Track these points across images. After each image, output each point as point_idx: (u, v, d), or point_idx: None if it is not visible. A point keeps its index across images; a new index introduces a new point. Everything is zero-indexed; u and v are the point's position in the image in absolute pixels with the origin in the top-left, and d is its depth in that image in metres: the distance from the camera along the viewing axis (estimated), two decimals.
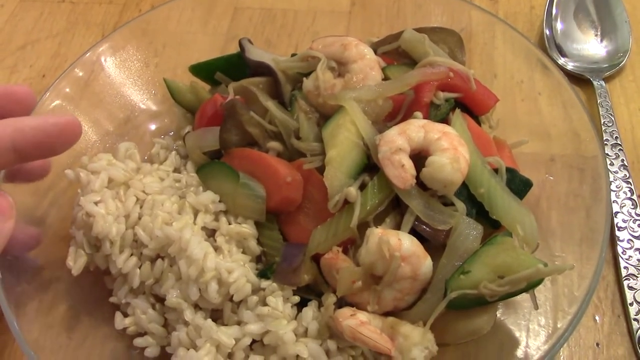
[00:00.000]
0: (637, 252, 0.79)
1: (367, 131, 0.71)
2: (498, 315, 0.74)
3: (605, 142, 0.88)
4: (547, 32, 1.01)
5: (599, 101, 0.92)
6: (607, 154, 0.86)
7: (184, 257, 0.68)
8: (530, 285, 0.64)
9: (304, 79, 0.78)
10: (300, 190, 0.73)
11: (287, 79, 0.82)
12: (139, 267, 0.72)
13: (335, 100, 0.73)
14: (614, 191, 0.84)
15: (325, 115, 0.76)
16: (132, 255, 0.72)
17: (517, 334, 0.73)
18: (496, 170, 0.72)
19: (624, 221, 0.81)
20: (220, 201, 0.74)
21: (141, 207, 0.74)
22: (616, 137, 0.88)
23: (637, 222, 0.81)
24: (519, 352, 0.72)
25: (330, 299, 0.68)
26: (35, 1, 1.21)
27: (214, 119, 0.81)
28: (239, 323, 0.70)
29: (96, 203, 0.73)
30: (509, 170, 0.73)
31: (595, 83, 0.94)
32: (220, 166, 0.76)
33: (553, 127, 0.90)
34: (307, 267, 0.71)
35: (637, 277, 0.80)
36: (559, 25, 1.01)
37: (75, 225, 0.74)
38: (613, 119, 0.90)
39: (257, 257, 0.75)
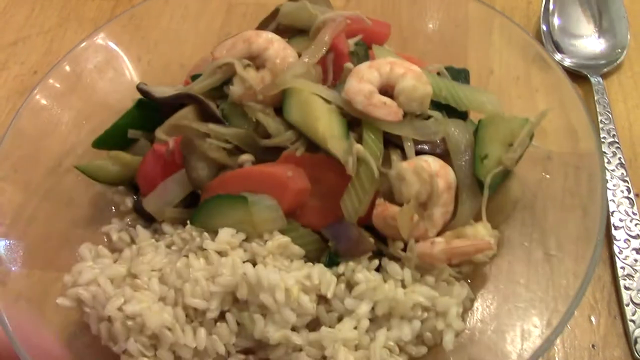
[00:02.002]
0: (633, 252, 0.78)
1: (330, 95, 0.74)
2: (492, 315, 0.74)
3: (602, 140, 0.86)
4: (544, 27, 1.00)
5: (596, 98, 0.91)
6: (604, 152, 0.85)
7: (263, 289, 0.65)
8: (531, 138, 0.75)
9: (230, 87, 0.76)
10: (304, 177, 0.72)
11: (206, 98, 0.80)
12: (213, 335, 0.67)
13: (277, 87, 0.74)
14: (610, 190, 0.83)
15: (272, 107, 0.77)
16: (198, 327, 0.67)
17: (512, 333, 0.72)
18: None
19: (621, 220, 0.80)
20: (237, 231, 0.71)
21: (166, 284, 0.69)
22: (613, 135, 0.87)
23: (634, 221, 0.80)
24: (513, 351, 0.72)
25: (396, 245, 0.71)
26: None
27: (164, 171, 0.76)
28: (339, 319, 0.69)
29: (124, 303, 0.66)
30: (446, 69, 0.82)
31: (592, 80, 0.93)
32: (220, 200, 0.71)
33: (549, 123, 0.89)
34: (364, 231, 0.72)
35: (634, 277, 0.79)
36: (556, 21, 0.99)
37: (118, 339, 0.67)
38: (610, 116, 0.89)
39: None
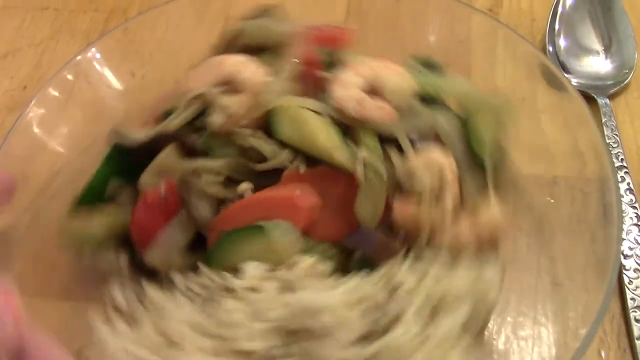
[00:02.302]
0: None
1: (319, 106, 0.73)
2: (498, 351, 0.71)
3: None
4: (550, 47, 0.98)
5: (603, 120, 0.89)
6: None
7: (312, 315, 0.61)
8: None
9: (209, 119, 0.72)
10: (312, 193, 0.70)
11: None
12: None
13: (263, 108, 0.72)
14: None
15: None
16: None
17: None
18: None
19: (630, 249, 0.78)
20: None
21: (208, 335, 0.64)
22: (622, 159, 0.84)
23: None
24: None
25: (421, 240, 0.70)
26: (17, 8, 1.17)
27: (160, 218, 0.71)
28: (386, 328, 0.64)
29: None
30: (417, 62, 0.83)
31: (600, 101, 0.91)
32: (235, 234, 0.67)
33: (556, 146, 0.87)
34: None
35: None
36: (562, 41, 0.97)
37: None
38: (619, 139, 0.87)
39: None
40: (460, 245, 0.70)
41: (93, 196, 0.76)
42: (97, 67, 0.91)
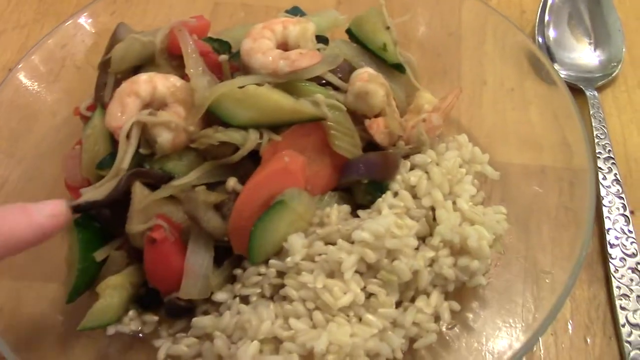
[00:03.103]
0: (629, 271, 0.76)
1: (253, 79, 0.74)
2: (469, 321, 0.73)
3: (597, 155, 0.85)
4: (539, 39, 0.98)
5: (591, 112, 0.89)
6: (600, 168, 0.84)
7: (384, 239, 0.67)
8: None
9: (159, 140, 0.72)
10: (296, 153, 0.72)
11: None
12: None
13: (204, 105, 0.72)
14: (606, 207, 0.81)
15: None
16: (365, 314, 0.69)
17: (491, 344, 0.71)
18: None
19: (617, 238, 0.78)
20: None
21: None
22: (609, 150, 0.85)
23: (630, 240, 0.78)
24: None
25: (399, 145, 0.80)
26: None
27: (174, 252, 0.70)
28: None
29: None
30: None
31: (587, 93, 0.92)
32: (265, 219, 0.69)
33: (544, 138, 0.88)
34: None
35: (630, 297, 0.77)
36: (551, 33, 0.98)
37: None
38: (606, 131, 0.87)
39: None
40: (437, 130, 0.79)
41: (87, 282, 0.73)
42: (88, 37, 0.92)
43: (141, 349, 0.73)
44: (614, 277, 0.76)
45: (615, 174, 0.83)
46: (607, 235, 0.79)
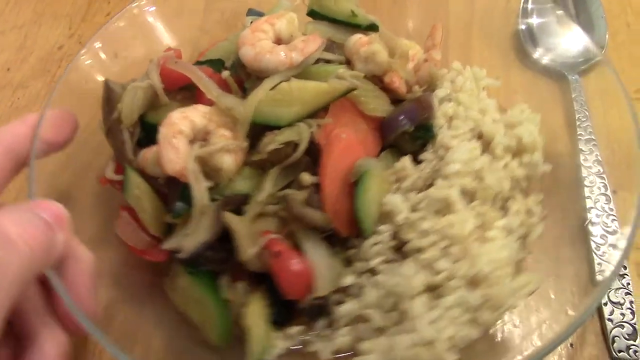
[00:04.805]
0: (610, 248, 0.78)
1: (278, 77, 0.76)
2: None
3: (579, 137, 0.86)
4: (523, 26, 1.00)
5: (573, 96, 0.91)
6: (582, 149, 0.85)
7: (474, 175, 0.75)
8: None
9: (224, 165, 0.73)
10: (346, 130, 0.76)
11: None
12: None
13: (247, 117, 0.73)
14: (588, 186, 0.82)
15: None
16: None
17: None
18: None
19: (597, 216, 0.80)
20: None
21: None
22: (590, 132, 0.87)
23: (611, 217, 0.79)
24: None
25: (416, 91, 0.86)
26: None
27: (298, 255, 0.72)
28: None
29: None
30: None
31: (570, 78, 0.93)
32: (359, 191, 0.73)
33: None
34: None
35: None
36: (534, 20, 0.99)
37: None
38: (587, 114, 0.89)
39: None
40: (440, 64, 0.87)
41: (229, 323, 0.73)
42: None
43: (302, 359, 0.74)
44: (595, 254, 0.77)
45: (597, 155, 0.84)
46: (589, 213, 0.80)
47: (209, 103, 0.76)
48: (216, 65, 0.84)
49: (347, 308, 0.71)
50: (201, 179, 0.71)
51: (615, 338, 0.76)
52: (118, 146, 0.78)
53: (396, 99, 0.84)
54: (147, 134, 0.77)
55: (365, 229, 0.73)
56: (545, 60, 0.97)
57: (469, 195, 0.74)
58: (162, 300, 0.75)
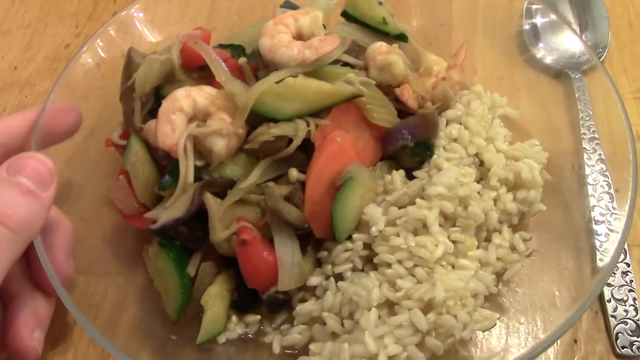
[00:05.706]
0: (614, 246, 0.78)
1: (287, 72, 0.76)
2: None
3: (583, 136, 0.87)
4: (527, 25, 1.01)
5: (577, 95, 0.92)
6: (585, 148, 0.86)
7: (456, 190, 0.72)
8: None
9: (215, 149, 0.74)
10: (344, 132, 0.76)
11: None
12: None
13: (247, 106, 0.74)
14: (591, 185, 0.83)
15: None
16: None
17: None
18: None
19: (602, 214, 0.81)
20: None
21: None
22: (593, 131, 0.88)
23: (614, 216, 0.80)
24: None
25: (428, 107, 0.84)
26: None
27: (267, 246, 0.73)
28: None
29: None
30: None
31: (573, 77, 0.94)
32: (341, 197, 0.73)
33: (532, 124, 0.90)
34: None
35: (615, 273, 0.80)
36: (538, 19, 1.00)
37: None
38: (591, 112, 0.90)
39: None
40: (458, 83, 0.85)
41: (188, 299, 0.75)
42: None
43: (253, 348, 0.75)
44: (598, 251, 0.78)
45: (600, 154, 0.85)
46: (592, 212, 0.81)
47: (220, 86, 0.77)
48: (237, 50, 0.85)
49: (307, 307, 0.72)
50: (191, 157, 0.73)
51: (619, 334, 0.77)
52: (127, 113, 0.82)
53: (408, 112, 0.83)
54: (159, 106, 0.78)
55: (338, 234, 0.73)
56: (548, 59, 0.97)
57: (451, 220, 0.73)
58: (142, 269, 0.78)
